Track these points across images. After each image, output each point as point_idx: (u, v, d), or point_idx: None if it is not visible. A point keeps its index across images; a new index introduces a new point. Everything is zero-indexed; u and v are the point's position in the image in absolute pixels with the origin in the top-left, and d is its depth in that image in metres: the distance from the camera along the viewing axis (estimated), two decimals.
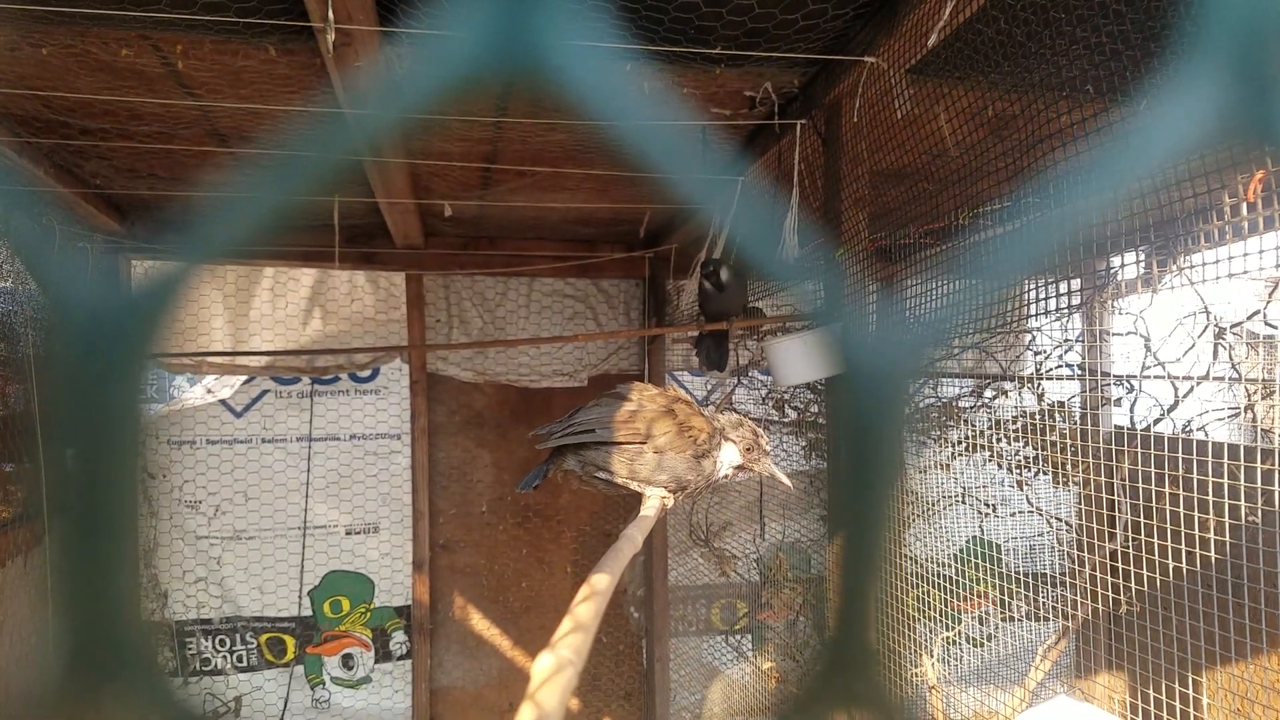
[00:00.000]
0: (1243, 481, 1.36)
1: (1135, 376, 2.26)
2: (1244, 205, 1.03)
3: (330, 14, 1.44)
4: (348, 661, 3.91)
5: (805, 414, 3.71)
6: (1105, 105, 1.39)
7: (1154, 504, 1.55)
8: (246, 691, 3.79)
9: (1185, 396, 2.23)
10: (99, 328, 0.18)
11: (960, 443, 2.80)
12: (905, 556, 2.24)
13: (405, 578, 3.93)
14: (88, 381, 0.18)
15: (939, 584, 2.34)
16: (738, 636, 4.24)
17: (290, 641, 3.84)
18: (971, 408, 2.90)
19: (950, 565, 2.54)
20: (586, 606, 0.75)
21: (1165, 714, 1.42)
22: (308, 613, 3.85)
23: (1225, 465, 1.41)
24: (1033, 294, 1.58)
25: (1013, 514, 2.82)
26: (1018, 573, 2.50)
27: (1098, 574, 1.74)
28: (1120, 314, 2.32)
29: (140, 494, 3.57)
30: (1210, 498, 1.41)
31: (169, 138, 2.37)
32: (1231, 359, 2.12)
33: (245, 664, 3.80)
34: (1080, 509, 2.39)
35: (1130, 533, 1.63)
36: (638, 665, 4.21)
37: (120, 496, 0.19)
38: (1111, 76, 1.43)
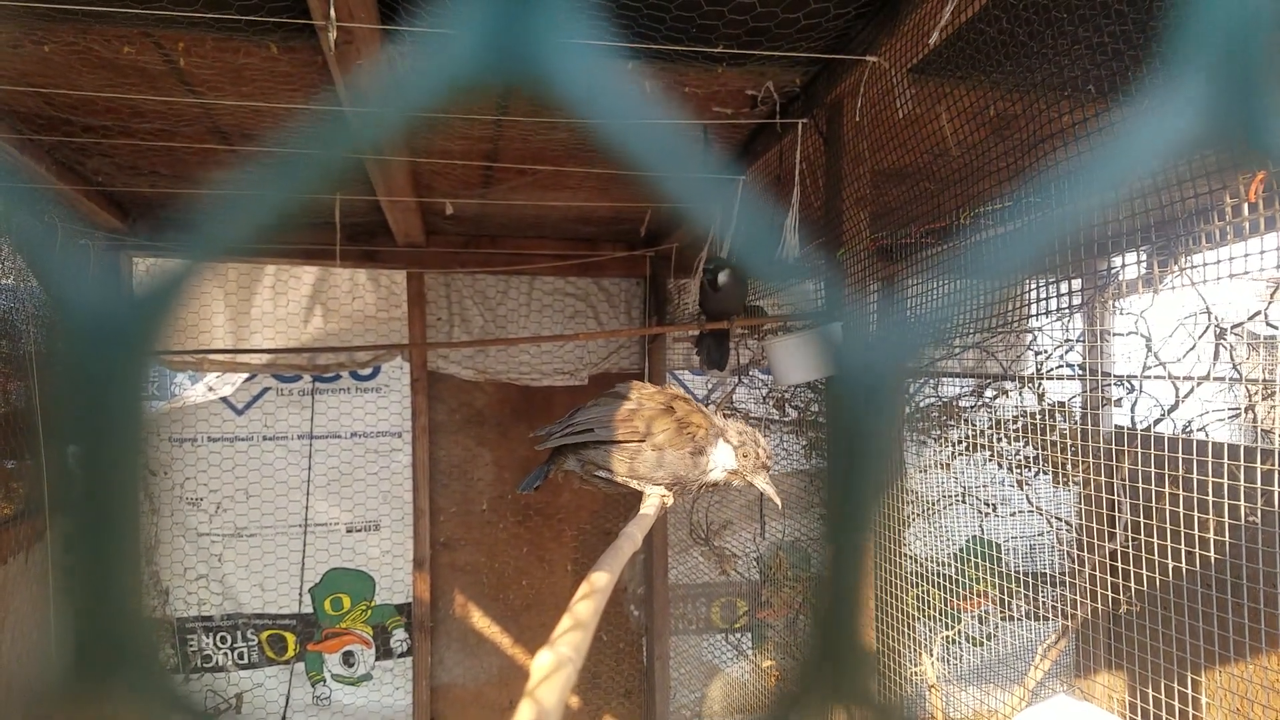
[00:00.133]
0: (1242, 482, 1.36)
1: (1136, 377, 2.26)
2: (1245, 206, 1.03)
3: (332, 12, 1.44)
4: (348, 659, 3.91)
5: (805, 413, 3.71)
6: (1107, 105, 1.39)
7: (1153, 504, 1.55)
8: (248, 688, 3.80)
9: (1186, 397, 2.23)
10: (101, 325, 0.18)
11: (961, 442, 2.80)
12: (905, 556, 2.24)
13: (406, 575, 3.93)
14: (92, 379, 0.18)
15: (939, 583, 2.34)
16: (738, 635, 4.25)
17: (291, 639, 3.85)
18: (972, 407, 2.90)
19: (950, 565, 2.54)
20: (586, 604, 0.76)
21: (1165, 713, 1.42)
22: (309, 610, 3.86)
23: (1225, 466, 1.41)
24: (1034, 294, 1.58)
25: (1013, 513, 2.82)
26: (1018, 572, 2.50)
27: (1097, 574, 1.74)
28: (1121, 314, 2.32)
29: (141, 491, 3.58)
30: (1210, 498, 1.41)
31: (171, 135, 2.37)
32: (1233, 359, 2.12)
33: (246, 661, 3.81)
34: (1081, 509, 2.39)
35: (1130, 533, 1.63)
36: (638, 663, 4.21)
37: (124, 493, 0.19)
38: (1114, 76, 1.43)
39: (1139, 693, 1.53)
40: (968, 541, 2.90)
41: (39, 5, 1.60)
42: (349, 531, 3.90)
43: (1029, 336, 2.80)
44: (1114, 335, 2.32)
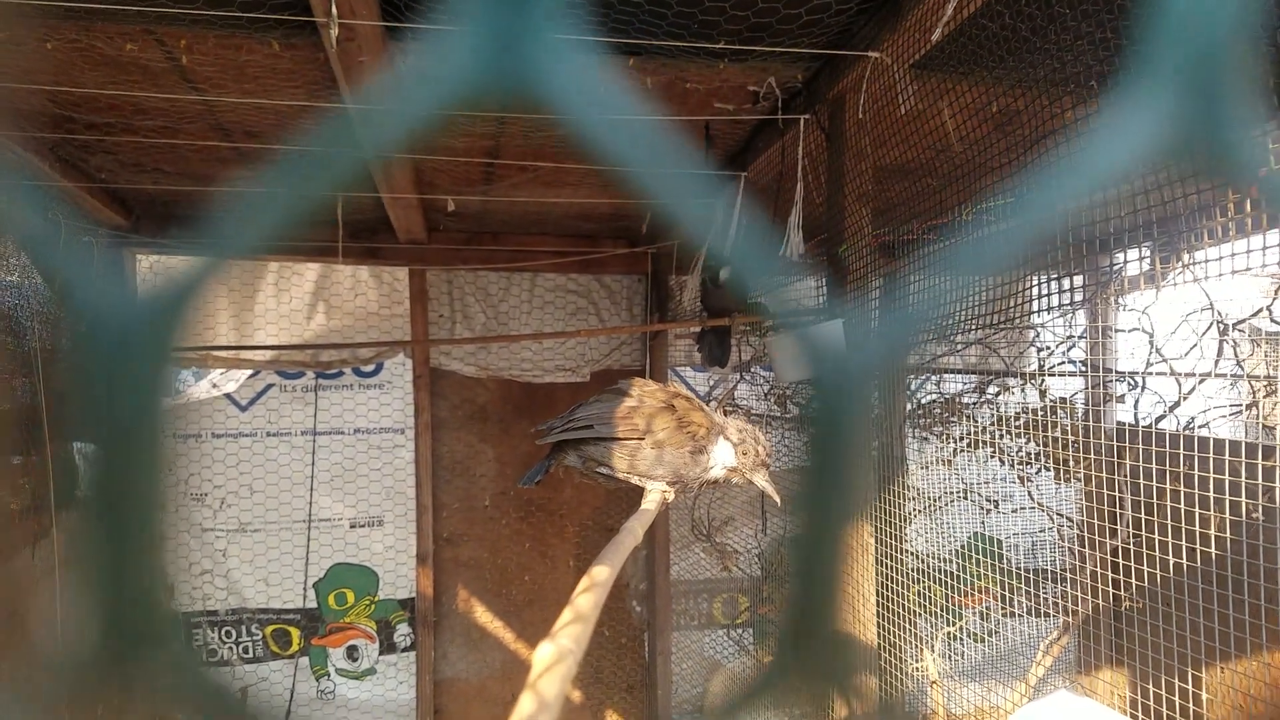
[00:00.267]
0: (1243, 478, 1.36)
1: (1139, 373, 2.26)
2: (1248, 202, 1.03)
3: (334, 9, 1.44)
4: (352, 653, 3.93)
5: (807, 410, 3.71)
6: (1110, 101, 1.39)
7: (1155, 500, 1.55)
8: (252, 683, 3.82)
9: (1189, 394, 2.23)
10: (118, 323, 0.19)
11: (963, 439, 2.80)
12: (907, 552, 2.24)
13: (409, 570, 3.95)
14: (111, 377, 0.19)
15: (941, 579, 2.34)
16: (739, 630, 4.25)
17: (295, 633, 3.86)
18: (975, 404, 2.90)
19: (951, 561, 2.54)
20: (587, 597, 0.76)
21: (1166, 709, 1.42)
22: (313, 605, 3.87)
23: (1227, 462, 1.41)
24: (1037, 290, 1.58)
25: (1015, 510, 2.82)
26: (1019, 568, 2.50)
27: (1099, 570, 1.74)
28: (1125, 310, 2.32)
29: (160, 487, 3.59)
30: (1211, 494, 1.41)
31: (174, 132, 2.37)
32: (1236, 356, 2.12)
33: (251, 655, 3.82)
34: (1083, 505, 2.39)
35: (1132, 529, 1.63)
36: (640, 658, 4.22)
37: (144, 489, 0.19)
38: (1117, 72, 1.43)
39: (1140, 689, 1.53)
40: (970, 538, 2.90)
41: (43, 3, 1.60)
42: (353, 527, 3.91)
43: (1032, 333, 2.79)
44: (1117, 331, 2.32)
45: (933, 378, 3.12)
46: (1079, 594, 1.84)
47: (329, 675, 3.90)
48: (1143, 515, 1.59)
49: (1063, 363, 2.56)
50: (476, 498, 4.02)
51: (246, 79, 1.99)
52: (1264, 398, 2.03)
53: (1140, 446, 1.59)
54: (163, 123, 2.30)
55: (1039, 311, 1.58)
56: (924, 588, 2.31)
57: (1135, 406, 2.29)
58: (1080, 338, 2.50)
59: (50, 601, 2.76)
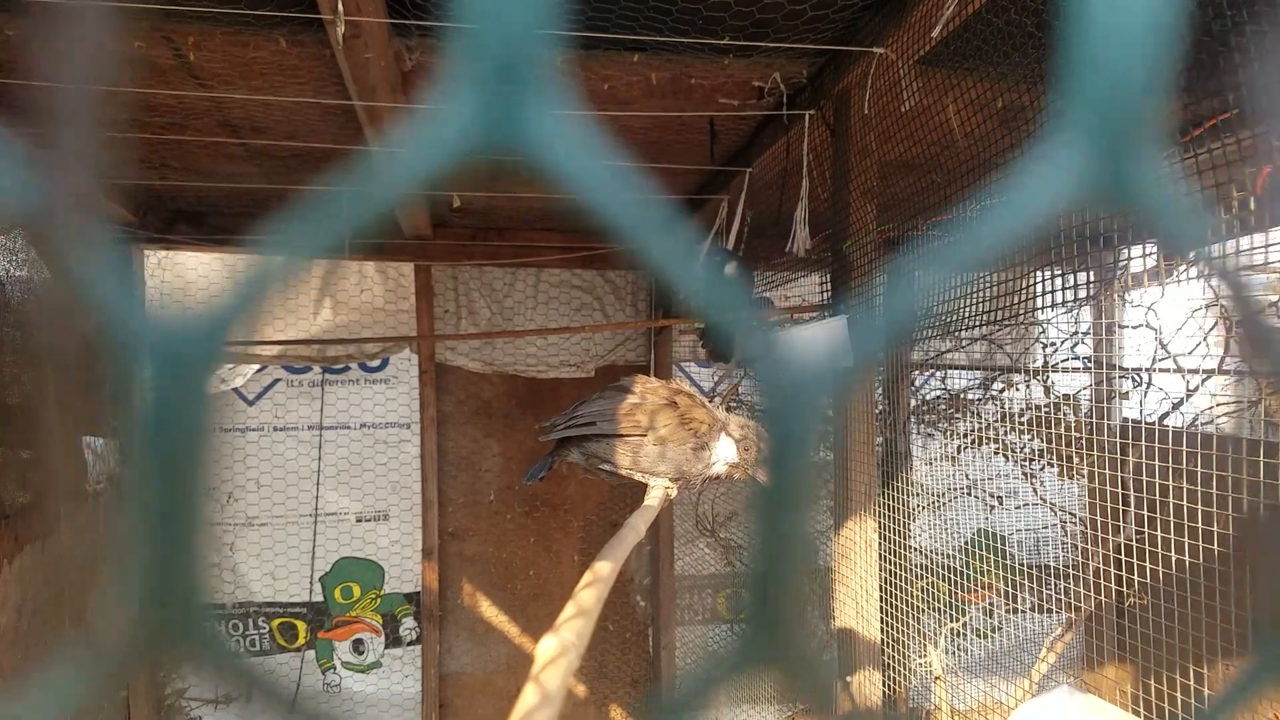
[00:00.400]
0: (1245, 475, 1.36)
1: (1145, 369, 2.25)
2: (1251, 199, 1.03)
3: (340, 6, 1.44)
4: (358, 647, 3.95)
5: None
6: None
7: (1158, 497, 1.54)
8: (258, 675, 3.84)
9: (1196, 390, 2.22)
10: (171, 323, 0.20)
11: (967, 435, 2.80)
12: (911, 549, 2.24)
13: (415, 565, 3.96)
14: (160, 376, 0.20)
15: (945, 575, 2.34)
16: (744, 625, 4.26)
17: (302, 626, 3.88)
18: (980, 400, 2.89)
19: (955, 557, 2.55)
20: (589, 592, 0.77)
21: (1169, 706, 1.42)
22: (319, 598, 3.89)
23: (1229, 459, 1.40)
24: (1042, 286, 1.57)
25: (1019, 506, 2.82)
26: (1023, 565, 2.50)
27: (1104, 567, 1.74)
28: (1131, 306, 2.31)
29: (203, 485, 3.60)
30: (1214, 491, 1.41)
31: (181, 128, 2.38)
32: (1242, 352, 2.11)
33: (257, 648, 3.84)
34: (1088, 502, 2.39)
35: (1136, 526, 1.63)
36: (644, 653, 4.23)
37: (191, 478, 0.20)
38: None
39: (1142, 684, 1.53)
40: (974, 534, 2.90)
41: (51, 0, 1.61)
42: (358, 521, 3.93)
43: (1037, 329, 2.79)
44: (1121, 328, 2.32)
45: (937, 374, 3.12)
46: (1083, 590, 1.84)
47: (335, 669, 3.93)
48: (1145, 512, 1.59)
49: (1069, 359, 2.56)
50: (481, 493, 4.03)
51: (253, 75, 2.00)
52: (1270, 394, 2.03)
53: (1144, 444, 1.58)
54: (170, 119, 2.31)
55: (1045, 308, 1.58)
56: (928, 584, 2.31)
57: (1141, 403, 2.29)
58: (1086, 333, 2.50)
59: (59, 595, 2.78)
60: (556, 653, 0.65)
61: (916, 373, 3.13)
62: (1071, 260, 1.41)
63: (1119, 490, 1.70)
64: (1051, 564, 2.70)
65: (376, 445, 3.94)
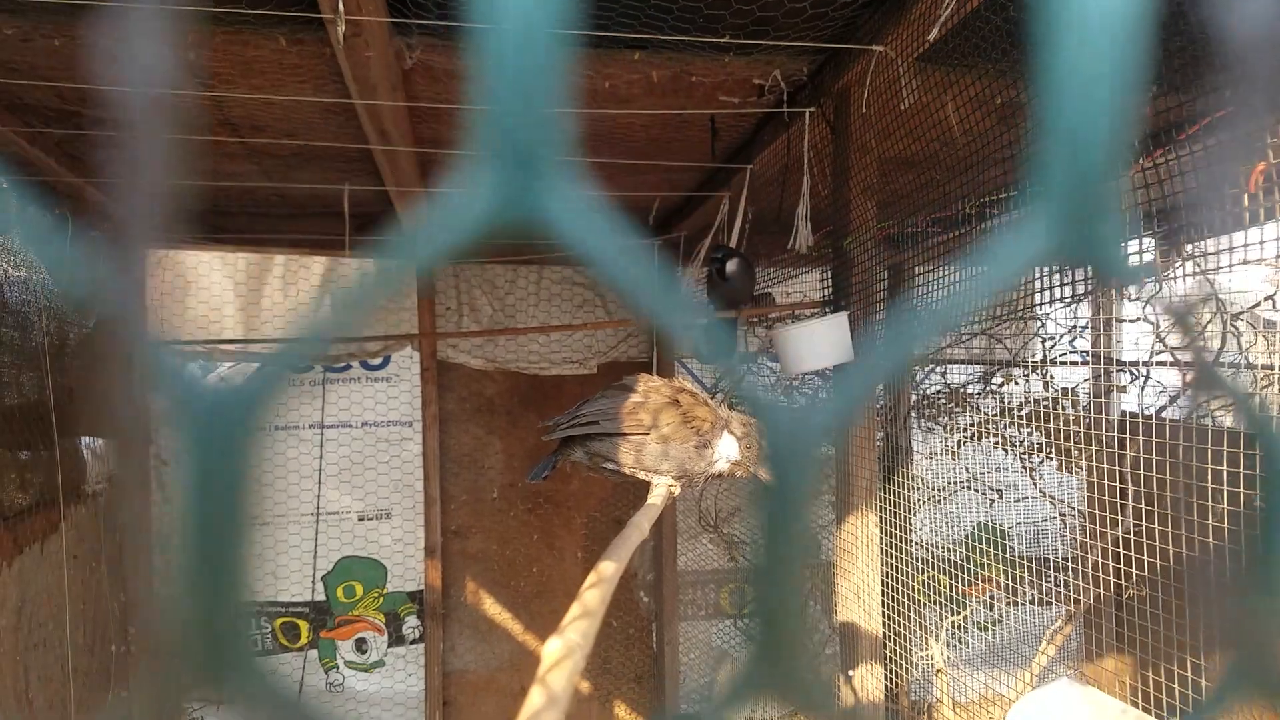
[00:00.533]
0: (1243, 469, 1.37)
1: (1143, 363, 2.26)
2: (1245, 196, 1.04)
3: (340, 5, 1.45)
4: (361, 645, 3.96)
5: (815, 399, 3.72)
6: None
7: (1156, 491, 1.55)
8: None
9: (1193, 383, 2.23)
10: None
11: (967, 429, 2.81)
12: (912, 542, 2.25)
13: (417, 563, 3.97)
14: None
15: (946, 569, 2.35)
16: (747, 620, 4.27)
17: (304, 626, 3.89)
18: (979, 394, 2.90)
19: (955, 550, 2.55)
20: (594, 592, 0.77)
21: (1167, 697, 1.43)
22: (321, 598, 3.90)
23: (1225, 452, 1.41)
24: (1040, 282, 1.58)
25: (1019, 499, 2.83)
26: (1024, 558, 2.51)
27: (1102, 560, 1.75)
28: (1129, 301, 2.32)
29: (155, 481, 3.62)
30: (1209, 485, 1.42)
31: (181, 127, 2.38)
32: (1239, 346, 2.12)
33: (260, 648, 3.86)
34: (1087, 496, 2.40)
35: (1134, 519, 1.64)
36: (648, 649, 4.25)
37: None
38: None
39: (1140, 676, 1.54)
40: (975, 527, 2.91)
41: (50, 0, 1.61)
42: (361, 520, 3.94)
43: (1036, 324, 2.79)
44: (1120, 322, 2.32)
45: (938, 368, 3.13)
46: (1082, 583, 1.85)
47: (338, 668, 3.94)
48: (1142, 505, 1.60)
49: (1068, 352, 2.57)
50: (484, 490, 4.04)
51: (254, 74, 2.00)
52: (1265, 387, 2.04)
53: (1142, 438, 1.59)
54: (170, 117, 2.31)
55: (1044, 303, 1.58)
56: (929, 577, 2.32)
57: (1140, 396, 2.29)
58: (1084, 328, 2.50)
59: (60, 596, 2.79)
60: (562, 654, 0.66)
61: (917, 368, 3.13)
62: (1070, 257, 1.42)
63: (1117, 484, 1.71)
64: (1051, 557, 2.71)
65: (378, 443, 3.94)
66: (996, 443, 2.77)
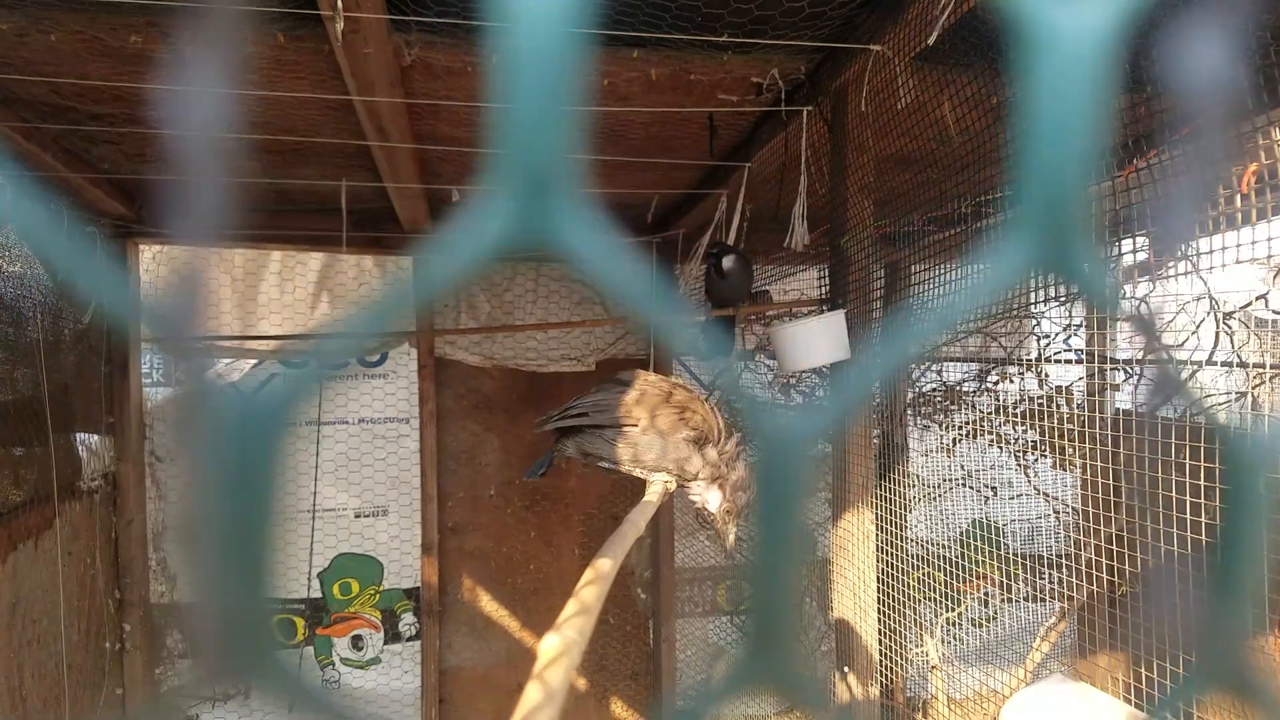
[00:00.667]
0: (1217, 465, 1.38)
1: (1137, 361, 2.27)
2: (1238, 196, 1.04)
3: (339, 2, 1.45)
4: (357, 642, 3.96)
5: (811, 398, 3.73)
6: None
7: (1148, 489, 1.56)
8: None
9: (1187, 381, 2.24)
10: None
11: (962, 427, 2.82)
12: (908, 539, 2.26)
13: (414, 560, 3.97)
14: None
15: (941, 566, 2.36)
16: (743, 617, 4.28)
17: (300, 623, 3.89)
18: (975, 391, 2.91)
19: (950, 547, 2.56)
20: (590, 590, 0.78)
21: (1159, 693, 1.44)
22: (317, 595, 3.90)
23: (1218, 450, 1.42)
24: (1035, 281, 1.59)
25: (1014, 497, 2.84)
26: (1018, 555, 2.52)
27: (1094, 557, 1.76)
28: (1123, 299, 2.33)
29: (149, 477, 3.61)
30: (1202, 483, 1.43)
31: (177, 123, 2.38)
32: (1233, 344, 2.13)
33: (272, 634, 3.85)
34: (1081, 494, 2.41)
35: (1127, 516, 1.65)
36: (644, 646, 4.25)
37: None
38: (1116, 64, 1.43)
39: (1133, 672, 1.55)
40: (970, 524, 2.92)
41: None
42: (357, 517, 3.94)
43: (1031, 321, 2.80)
44: (1114, 320, 2.33)
45: (934, 366, 3.14)
46: (1077, 580, 1.86)
47: (334, 665, 3.94)
48: (1135, 503, 1.61)
49: (1063, 351, 2.58)
50: (481, 487, 4.04)
51: (251, 70, 2.00)
52: (1257, 385, 2.05)
53: (1134, 436, 1.60)
54: (167, 113, 2.31)
55: (1039, 301, 1.59)
56: (925, 574, 2.33)
57: (1134, 394, 2.30)
58: (1079, 326, 2.51)
59: (54, 592, 2.78)
60: (559, 651, 0.66)
61: (913, 365, 3.14)
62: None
63: (1111, 482, 1.72)
64: (1045, 554, 2.72)
65: (375, 440, 3.94)
66: (992, 440, 2.79)
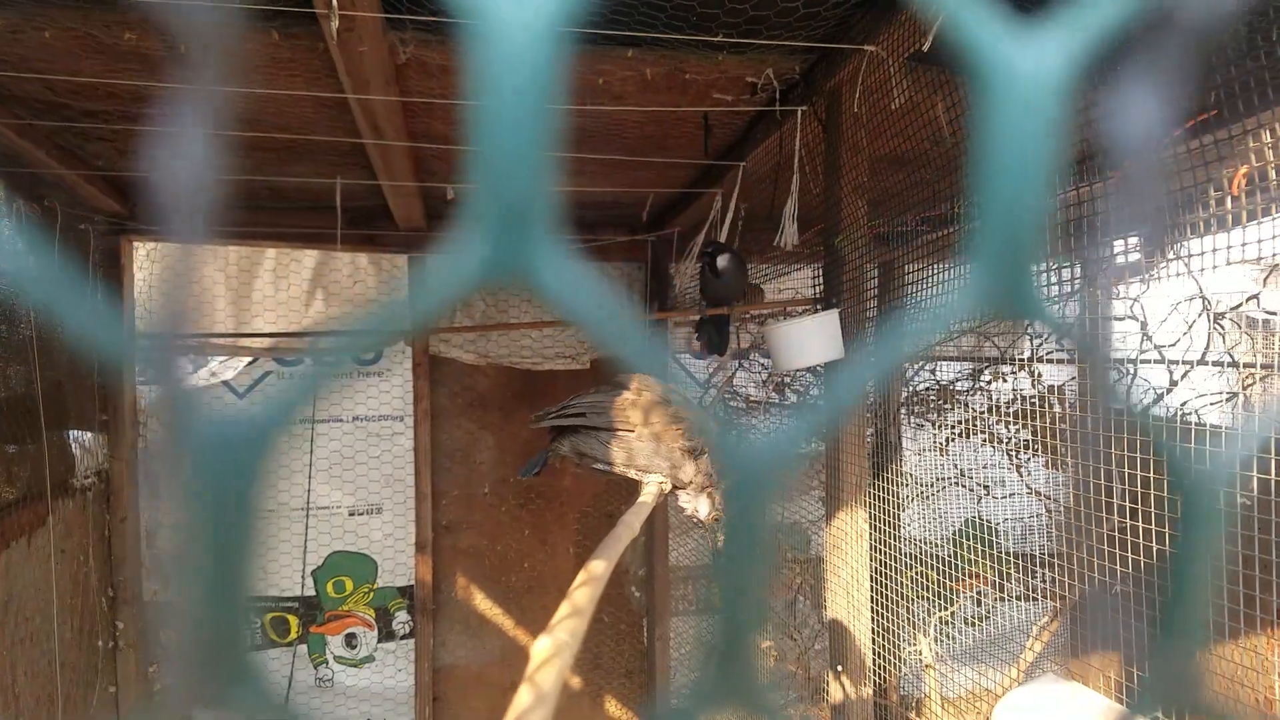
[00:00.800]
0: (1231, 467, 1.38)
1: (1130, 361, 2.28)
2: (1228, 198, 1.05)
3: (334, 0, 1.45)
4: (351, 641, 3.96)
5: (805, 397, 3.73)
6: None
7: (1139, 489, 1.57)
8: None
9: (1181, 380, 2.25)
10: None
11: (954, 426, 2.82)
12: (901, 539, 2.27)
13: (408, 558, 3.97)
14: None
15: (935, 565, 2.37)
16: (761, 617, 4.28)
17: (294, 621, 3.89)
18: (969, 391, 2.92)
19: (943, 546, 2.57)
20: (583, 591, 0.78)
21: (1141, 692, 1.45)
22: (311, 593, 3.90)
23: (1207, 451, 1.43)
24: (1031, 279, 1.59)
25: (1007, 495, 2.85)
26: (1011, 554, 2.53)
27: (1087, 557, 1.77)
28: (1117, 299, 2.34)
29: (142, 474, 3.60)
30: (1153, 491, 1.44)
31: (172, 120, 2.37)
32: (1225, 344, 2.15)
33: (249, 643, 3.84)
34: (1075, 493, 2.42)
35: (1119, 517, 1.66)
36: (639, 644, 4.26)
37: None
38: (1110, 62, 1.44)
39: (1125, 671, 1.56)
40: (964, 523, 2.93)
41: None
42: (351, 515, 3.93)
43: (1024, 321, 2.81)
44: (1108, 320, 2.34)
45: (928, 365, 3.14)
46: (1069, 580, 1.87)
47: (327, 663, 3.93)
48: (1127, 504, 1.62)
49: (1054, 350, 2.59)
50: (476, 485, 4.04)
51: (246, 68, 1.99)
52: (1249, 385, 2.06)
53: (1126, 436, 1.61)
54: (161, 110, 2.31)
55: (1053, 302, 1.59)
56: (918, 573, 2.34)
57: (1127, 394, 2.32)
58: (1072, 325, 2.52)
59: (47, 590, 2.78)
60: (551, 652, 0.67)
61: (907, 364, 3.15)
62: (1059, 255, 1.43)
63: (1104, 482, 1.73)
64: (1038, 553, 2.73)
65: (369, 438, 3.94)
66: (985, 439, 2.80)
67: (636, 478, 1.41)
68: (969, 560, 2.59)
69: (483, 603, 4.05)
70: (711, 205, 2.78)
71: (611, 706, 4.21)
